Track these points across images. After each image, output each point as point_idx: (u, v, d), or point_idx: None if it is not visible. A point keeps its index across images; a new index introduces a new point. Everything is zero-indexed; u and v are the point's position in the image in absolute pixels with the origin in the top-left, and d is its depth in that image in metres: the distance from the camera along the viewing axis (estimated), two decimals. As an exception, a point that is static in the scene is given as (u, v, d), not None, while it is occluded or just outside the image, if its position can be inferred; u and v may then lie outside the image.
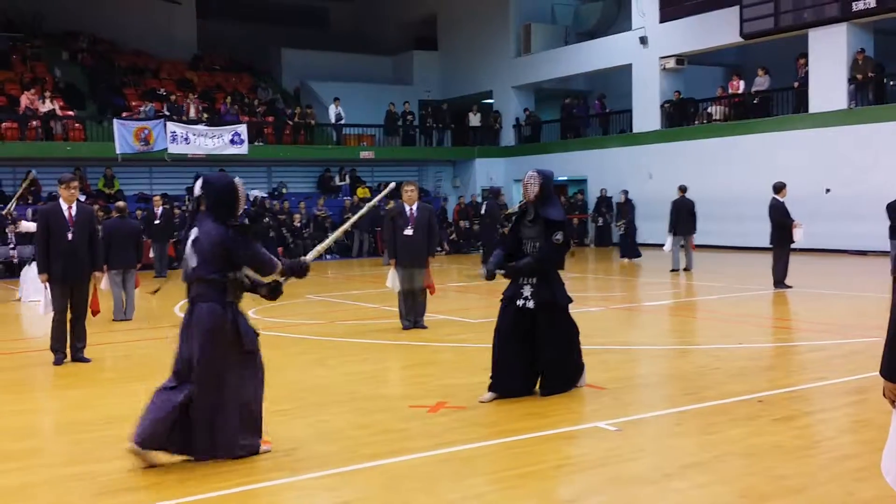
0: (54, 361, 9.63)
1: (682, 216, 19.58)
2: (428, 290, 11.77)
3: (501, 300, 7.62)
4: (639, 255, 23.00)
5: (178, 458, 5.76)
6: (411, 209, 11.63)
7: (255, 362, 5.94)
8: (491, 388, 7.38)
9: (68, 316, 9.71)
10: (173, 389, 5.77)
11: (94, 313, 10.45)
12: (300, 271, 6.09)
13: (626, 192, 23.87)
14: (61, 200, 9.71)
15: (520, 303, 7.40)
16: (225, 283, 5.77)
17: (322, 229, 27.79)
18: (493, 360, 7.46)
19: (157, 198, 23.16)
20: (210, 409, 5.71)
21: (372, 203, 7.50)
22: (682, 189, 19.95)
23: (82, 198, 26.38)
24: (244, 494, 5.19)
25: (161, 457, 5.72)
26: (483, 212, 22.18)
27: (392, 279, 11.66)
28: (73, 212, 9.66)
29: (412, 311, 11.71)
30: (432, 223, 11.81)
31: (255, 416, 5.91)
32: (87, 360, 9.81)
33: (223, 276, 5.75)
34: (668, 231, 19.72)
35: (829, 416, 6.97)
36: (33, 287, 16.37)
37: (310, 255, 6.30)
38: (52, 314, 9.73)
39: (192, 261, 5.80)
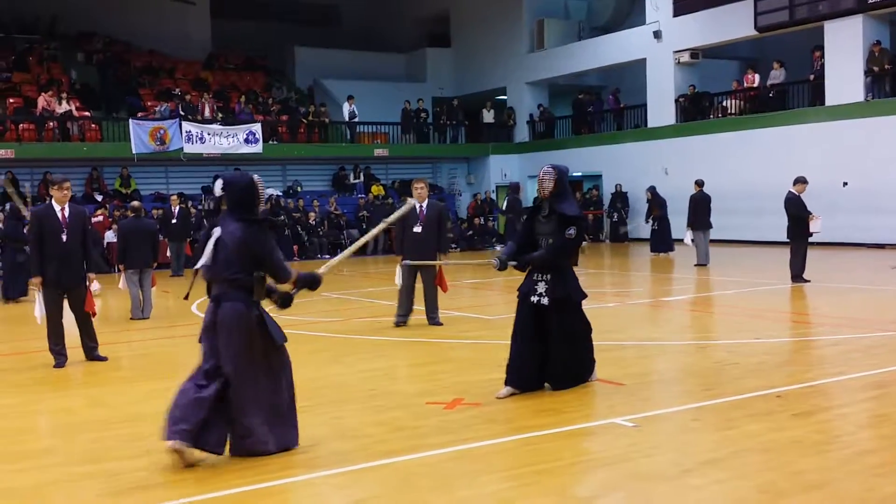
0: (55, 364, 9.52)
1: (701, 210, 19.52)
2: (440, 288, 11.71)
3: (518, 296, 7.63)
4: (672, 249, 22.88)
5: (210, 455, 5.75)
6: (421, 206, 11.59)
7: (283, 357, 5.99)
8: (506, 383, 7.39)
9: (70, 318, 9.61)
10: (202, 387, 5.73)
11: (91, 315, 10.06)
12: (313, 284, 6.11)
13: (652, 189, 23.71)
14: (54, 202, 9.56)
15: (534, 299, 7.40)
16: (251, 282, 5.79)
17: (336, 227, 27.82)
18: (509, 358, 7.50)
19: (175, 197, 23.26)
20: (242, 407, 5.74)
21: (390, 220, 7.59)
22: (700, 183, 19.88)
23: (99, 198, 26.64)
24: (259, 492, 5.19)
25: (197, 454, 5.68)
26: (505, 207, 22.19)
27: (400, 276, 11.66)
28: (66, 213, 9.53)
29: (429, 309, 11.74)
30: (442, 221, 11.78)
31: (290, 411, 5.98)
32: (103, 359, 9.81)
33: (248, 275, 5.78)
34: (686, 226, 19.66)
35: (849, 411, 6.92)
36: None
37: (323, 269, 6.29)
38: (45, 318, 9.59)
39: (213, 261, 5.82)
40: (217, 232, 5.86)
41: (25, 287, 16.67)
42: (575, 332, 7.50)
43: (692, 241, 19.52)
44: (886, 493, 4.83)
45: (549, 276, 7.40)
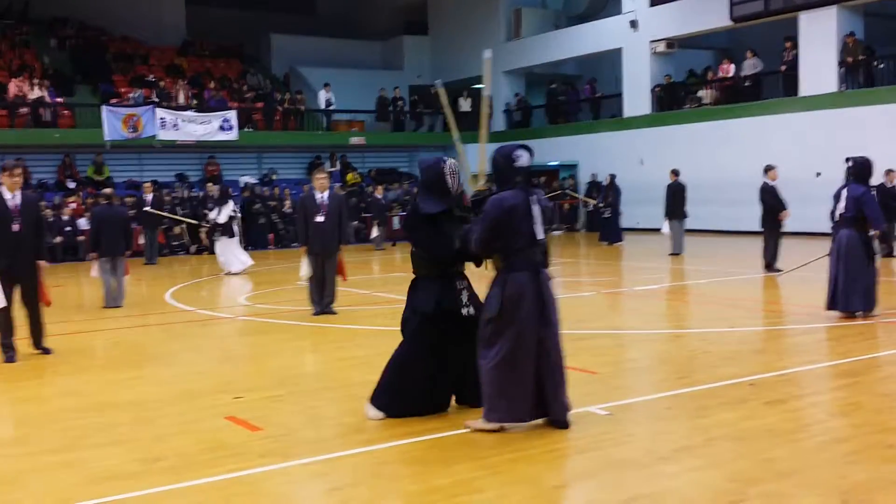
0: (4, 360, 9.07)
1: (677, 200, 19.62)
2: (340, 277, 12.03)
3: (431, 312, 6.59)
4: (621, 240, 23.09)
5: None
6: (322, 196, 11.82)
7: None
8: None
9: (22, 311, 9.21)
10: (531, 364, 5.89)
11: (46, 304, 9.54)
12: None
13: (613, 176, 23.91)
14: (4, 189, 8.97)
15: (464, 311, 6.38)
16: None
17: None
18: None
19: (148, 185, 23.13)
20: (562, 372, 5.99)
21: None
22: (675, 173, 19.97)
23: (72, 185, 26.40)
24: (235, 481, 5.18)
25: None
26: None
27: (305, 267, 11.78)
28: (18, 201, 9.02)
29: (326, 297, 11.90)
30: (343, 211, 12.02)
31: None
32: (49, 351, 9.40)
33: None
34: (664, 215, 19.75)
35: (820, 399, 6.98)
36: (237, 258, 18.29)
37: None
38: None
39: (540, 227, 5.97)
40: (534, 200, 5.96)
41: None
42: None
43: (670, 230, 19.61)
44: (858, 481, 4.88)
45: (467, 283, 6.50)
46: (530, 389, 5.88)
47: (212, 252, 24.73)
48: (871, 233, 10.23)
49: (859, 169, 10.34)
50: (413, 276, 6.55)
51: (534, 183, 6.11)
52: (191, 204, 25.76)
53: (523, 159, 5.96)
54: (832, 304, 10.34)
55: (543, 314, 5.90)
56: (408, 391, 6.40)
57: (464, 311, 6.35)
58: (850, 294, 10.13)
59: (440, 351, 6.35)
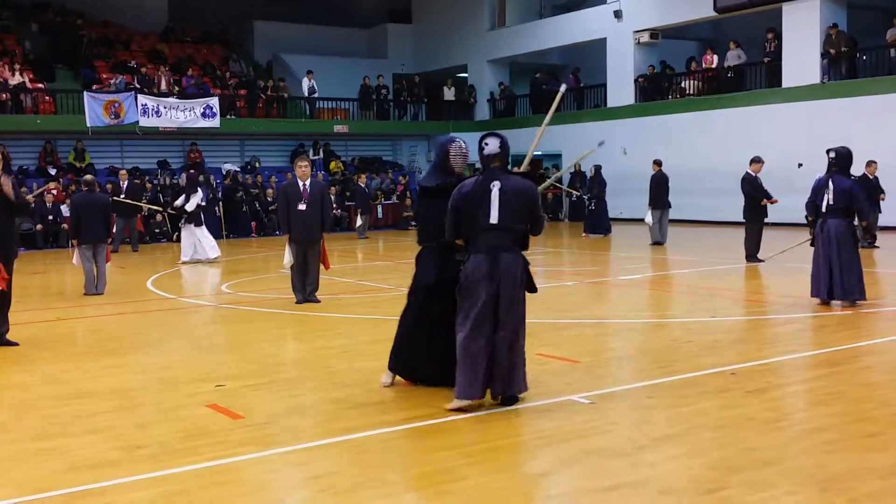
0: None
1: (660, 190, 19.66)
2: (322, 265, 11.99)
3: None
4: (608, 232, 23.03)
5: None
6: (304, 185, 11.80)
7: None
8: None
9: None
10: (485, 341, 6.09)
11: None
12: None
13: (598, 167, 23.85)
14: None
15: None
16: (526, 233, 6.26)
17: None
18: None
19: (123, 172, 22.91)
20: (512, 352, 6.16)
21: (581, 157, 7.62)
22: (658, 163, 20.00)
23: (53, 171, 26.20)
24: (214, 469, 5.16)
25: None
26: None
27: (287, 256, 11.75)
28: None
29: (309, 285, 11.86)
30: (325, 199, 12.00)
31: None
32: (14, 344, 9.08)
33: (524, 227, 6.22)
34: (648, 205, 19.79)
35: (801, 388, 7.02)
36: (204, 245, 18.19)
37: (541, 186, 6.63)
38: None
39: (495, 212, 6.09)
40: (497, 185, 6.11)
41: None
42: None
43: (652, 220, 19.66)
44: (837, 470, 4.90)
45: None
46: (483, 368, 6.09)
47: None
48: (857, 223, 10.30)
49: (842, 160, 10.40)
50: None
51: (507, 168, 6.32)
52: (172, 191, 25.62)
53: (489, 147, 6.26)
54: (829, 294, 10.35)
55: (499, 296, 6.09)
56: (412, 355, 6.85)
57: None
58: (849, 283, 10.20)
59: (445, 322, 6.50)
